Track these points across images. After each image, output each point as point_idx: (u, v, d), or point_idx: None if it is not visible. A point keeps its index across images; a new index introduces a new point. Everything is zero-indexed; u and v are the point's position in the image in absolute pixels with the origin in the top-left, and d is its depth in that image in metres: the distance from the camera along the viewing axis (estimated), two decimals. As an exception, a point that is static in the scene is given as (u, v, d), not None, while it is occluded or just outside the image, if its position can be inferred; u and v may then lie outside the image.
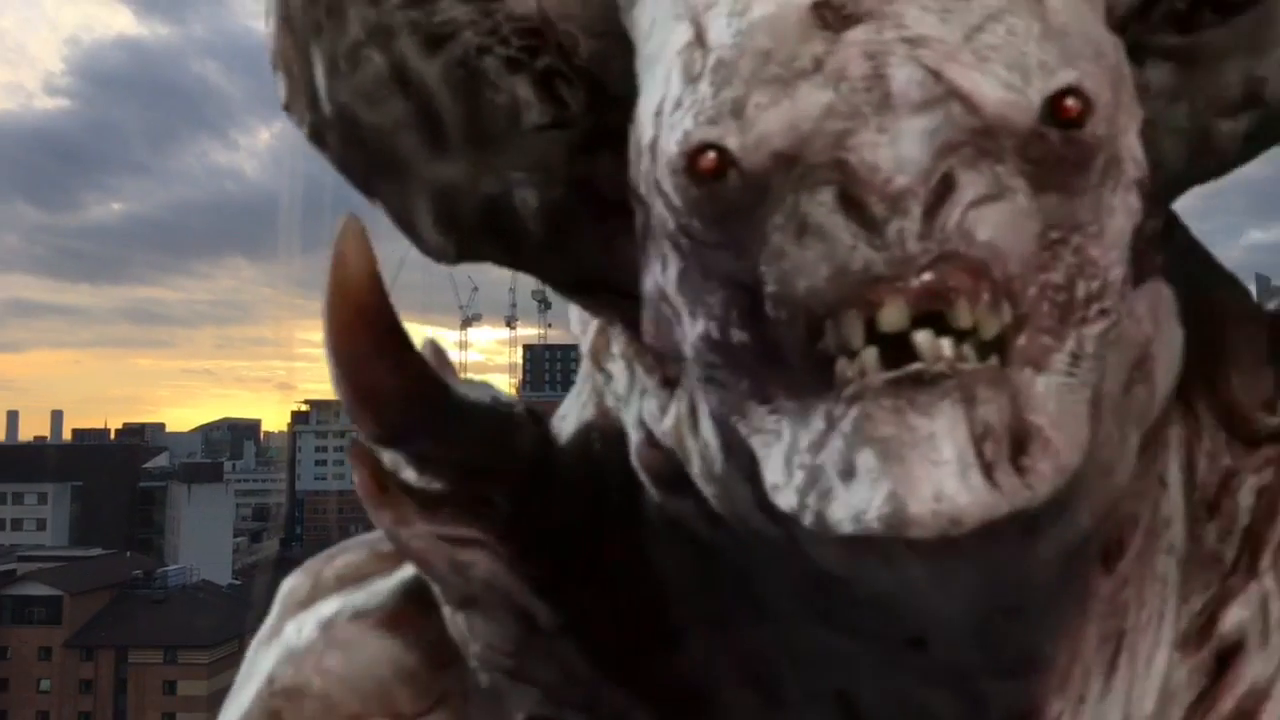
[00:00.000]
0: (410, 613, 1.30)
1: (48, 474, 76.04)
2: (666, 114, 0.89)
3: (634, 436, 1.12)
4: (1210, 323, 1.14)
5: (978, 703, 1.06)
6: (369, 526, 1.29)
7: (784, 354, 0.85)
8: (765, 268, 0.84)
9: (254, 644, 1.41)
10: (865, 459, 0.79)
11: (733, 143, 0.84)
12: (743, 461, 0.91)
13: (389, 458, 1.23)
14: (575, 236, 1.05)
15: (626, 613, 1.21)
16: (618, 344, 1.18)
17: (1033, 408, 0.80)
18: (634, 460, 1.13)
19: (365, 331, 1.11)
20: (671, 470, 1.07)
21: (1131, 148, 0.90)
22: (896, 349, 0.79)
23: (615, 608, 1.21)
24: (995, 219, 0.80)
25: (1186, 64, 0.98)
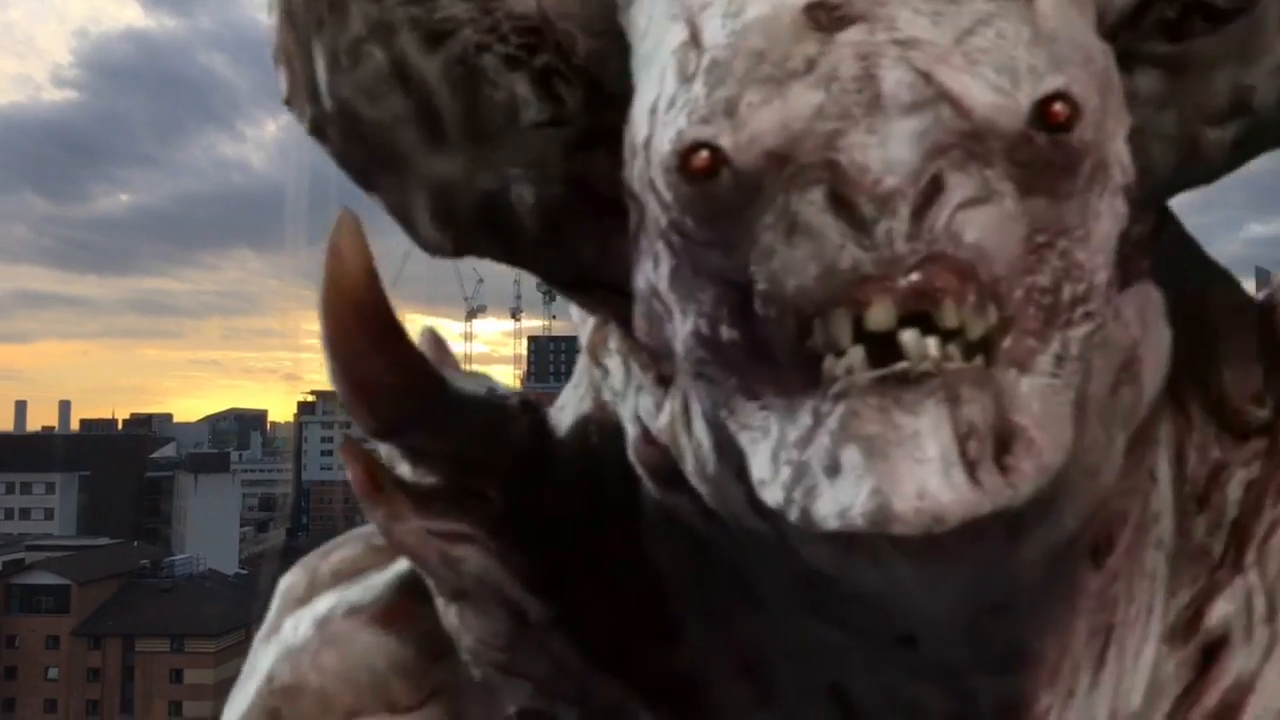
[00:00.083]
0: (404, 606, 1.31)
1: (55, 464, 76.17)
2: (661, 112, 0.90)
3: (630, 432, 1.13)
4: (1202, 318, 1.15)
5: (967, 698, 1.08)
6: (372, 517, 1.30)
7: (773, 351, 0.85)
8: (755, 266, 0.85)
9: (255, 641, 1.43)
10: (850, 456, 0.80)
11: (725, 141, 0.85)
12: (734, 460, 0.92)
13: (385, 451, 1.24)
14: (571, 233, 1.06)
15: (624, 604, 1.22)
16: (615, 340, 1.18)
17: (1017, 408, 0.81)
18: (631, 455, 1.14)
19: (361, 328, 1.12)
20: (668, 466, 1.07)
21: (1119, 153, 0.91)
22: (884, 348, 0.80)
23: (613, 599, 1.22)
24: (983, 221, 0.81)
25: (1176, 72, 0.99)
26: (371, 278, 1.10)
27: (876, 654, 1.07)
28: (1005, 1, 0.85)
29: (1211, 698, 1.13)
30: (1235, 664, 1.13)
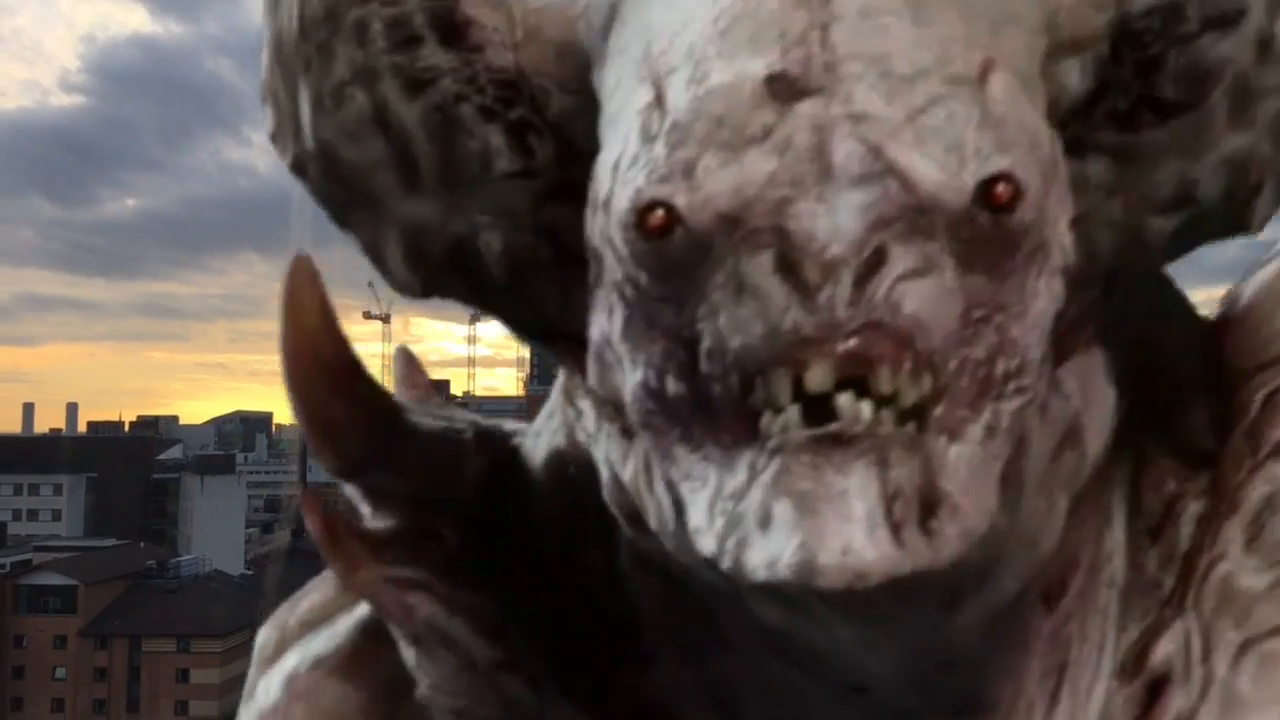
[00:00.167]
0: (368, 650, 1.34)
1: (63, 465, 76.17)
2: (623, 170, 0.92)
3: (604, 474, 1.14)
4: (1158, 348, 1.18)
5: None
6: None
7: (715, 405, 0.87)
8: (703, 323, 0.87)
9: (241, 704, 1.47)
10: (782, 510, 0.81)
11: (681, 201, 0.87)
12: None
13: (349, 493, 1.28)
14: (536, 282, 1.09)
15: (599, 633, 1.24)
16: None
17: (944, 474, 0.82)
18: (605, 496, 1.15)
19: (322, 375, 1.16)
20: (639, 511, 1.09)
21: (1060, 236, 0.92)
22: (820, 408, 0.82)
23: (589, 628, 1.24)
24: (922, 293, 0.83)
25: (1125, 161, 1.00)
26: (329, 320, 1.14)
27: (835, 698, 1.10)
28: (958, 84, 0.87)
29: None
30: (1175, 703, 1.14)
